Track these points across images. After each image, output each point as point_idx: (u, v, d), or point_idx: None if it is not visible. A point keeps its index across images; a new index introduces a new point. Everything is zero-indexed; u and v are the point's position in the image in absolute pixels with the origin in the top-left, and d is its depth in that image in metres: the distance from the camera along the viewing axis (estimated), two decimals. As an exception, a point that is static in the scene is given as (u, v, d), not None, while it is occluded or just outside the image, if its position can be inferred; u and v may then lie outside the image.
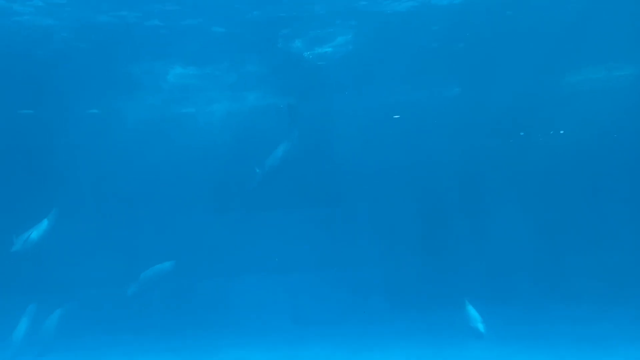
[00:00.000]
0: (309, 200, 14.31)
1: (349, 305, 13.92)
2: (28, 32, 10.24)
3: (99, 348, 11.90)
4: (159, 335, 12.87)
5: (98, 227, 13.49)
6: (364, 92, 13.28)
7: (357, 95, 13.38)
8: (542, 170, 14.70)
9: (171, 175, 13.71)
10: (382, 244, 14.60)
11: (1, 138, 13.06)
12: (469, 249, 14.66)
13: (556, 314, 13.13)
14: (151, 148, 13.47)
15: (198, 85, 12.61)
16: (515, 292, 13.76)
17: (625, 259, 14.24)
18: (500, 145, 14.74)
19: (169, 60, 11.58)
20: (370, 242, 14.50)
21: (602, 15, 10.65)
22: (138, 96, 12.77)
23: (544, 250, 14.60)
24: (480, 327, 10.06)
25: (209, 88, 12.76)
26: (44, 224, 10.52)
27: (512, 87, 13.00)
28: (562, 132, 14.71)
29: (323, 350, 12.04)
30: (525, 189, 14.76)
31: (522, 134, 14.72)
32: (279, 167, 11.02)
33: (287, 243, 14.24)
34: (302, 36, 10.97)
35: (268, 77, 12.54)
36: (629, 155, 14.48)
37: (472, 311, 10.24)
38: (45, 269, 12.55)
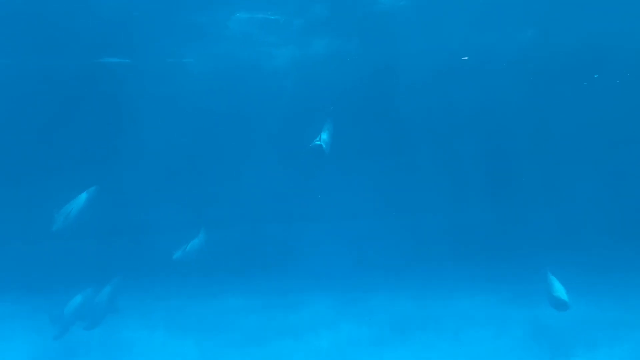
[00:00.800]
0: (375, 148, 14.17)
1: (414, 252, 13.88)
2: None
3: (168, 288, 12.33)
4: (227, 278, 13.12)
5: (164, 178, 13.57)
6: (432, 36, 12.85)
7: (425, 39, 12.96)
8: (618, 114, 14.10)
9: (237, 124, 13.73)
10: (450, 191, 14.42)
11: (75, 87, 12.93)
12: (539, 196, 14.39)
13: (630, 265, 12.91)
14: (216, 97, 13.37)
15: (262, 31, 12.42)
16: (587, 242, 13.43)
17: None
18: (574, 89, 14.11)
19: (233, 5, 11.45)
20: (438, 189, 14.29)
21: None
22: (202, 45, 12.59)
23: (617, 198, 14.26)
24: (564, 297, 9.77)
25: (274, 34, 12.57)
26: (83, 198, 10.59)
27: (588, 28, 12.49)
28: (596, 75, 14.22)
29: (387, 296, 12.43)
30: (599, 134, 14.24)
31: (596, 76, 14.15)
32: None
33: (353, 190, 14.11)
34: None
35: (335, 22, 12.30)
36: None
37: (555, 282, 9.98)
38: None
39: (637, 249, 13.23)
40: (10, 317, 12.03)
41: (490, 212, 14.41)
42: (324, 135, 10.80)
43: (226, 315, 12.22)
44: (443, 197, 14.40)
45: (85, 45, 12.14)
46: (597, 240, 13.34)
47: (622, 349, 10.35)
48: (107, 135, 13.32)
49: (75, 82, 12.88)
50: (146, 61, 12.87)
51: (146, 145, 13.38)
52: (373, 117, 13.64)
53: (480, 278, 13.05)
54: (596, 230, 13.58)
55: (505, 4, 11.84)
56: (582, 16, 12.20)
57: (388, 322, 11.86)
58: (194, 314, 12.24)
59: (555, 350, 10.49)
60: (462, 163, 14.47)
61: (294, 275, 13.33)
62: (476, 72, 13.64)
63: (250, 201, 13.89)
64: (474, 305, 12.13)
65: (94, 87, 12.97)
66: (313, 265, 13.50)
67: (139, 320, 11.90)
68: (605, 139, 14.28)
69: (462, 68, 13.72)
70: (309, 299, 12.62)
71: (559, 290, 9.91)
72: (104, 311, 10.45)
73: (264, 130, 13.67)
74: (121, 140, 13.37)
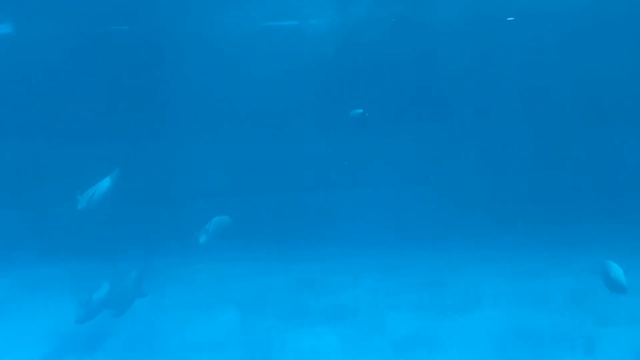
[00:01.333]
0: (415, 113, 14.05)
1: (454, 218, 13.78)
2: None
3: (209, 252, 11.98)
4: (267, 245, 13.27)
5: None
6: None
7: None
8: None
9: (276, 90, 13.70)
10: (492, 156, 14.25)
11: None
12: (585, 164, 14.10)
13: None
14: (255, 62, 13.46)
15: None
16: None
17: None
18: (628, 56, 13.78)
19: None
20: (480, 154, 14.19)
21: None
22: (236, 8, 12.64)
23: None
24: (623, 280, 9.28)
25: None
26: (107, 182, 10.71)
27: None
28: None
29: (426, 262, 12.40)
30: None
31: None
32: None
33: (394, 156, 14.12)
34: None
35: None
36: None
37: (613, 265, 9.51)
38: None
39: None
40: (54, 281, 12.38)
41: (533, 178, 14.11)
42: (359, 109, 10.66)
43: (265, 279, 12.34)
44: (485, 163, 14.17)
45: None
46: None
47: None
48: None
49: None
50: (183, 27, 12.90)
51: (186, 109, 13.46)
52: (413, 81, 13.41)
53: (522, 246, 12.90)
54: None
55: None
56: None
57: (427, 288, 11.82)
58: (234, 277, 12.39)
59: (598, 318, 10.30)
60: (505, 127, 14.19)
61: (332, 242, 13.34)
62: (520, 34, 13.28)
63: (289, 168, 13.92)
64: (515, 272, 11.99)
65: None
66: (351, 232, 13.49)
67: (181, 286, 12.11)
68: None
69: (507, 30, 13.38)
70: (347, 265, 12.64)
71: (617, 272, 9.33)
72: (131, 297, 10.40)
73: (304, 96, 13.59)
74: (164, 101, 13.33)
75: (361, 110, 10.70)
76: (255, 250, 13.16)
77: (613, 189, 13.78)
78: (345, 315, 11.02)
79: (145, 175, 13.16)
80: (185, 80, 13.17)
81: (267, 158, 14.06)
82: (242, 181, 13.86)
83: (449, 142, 14.29)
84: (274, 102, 13.79)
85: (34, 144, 13.60)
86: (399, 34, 13.14)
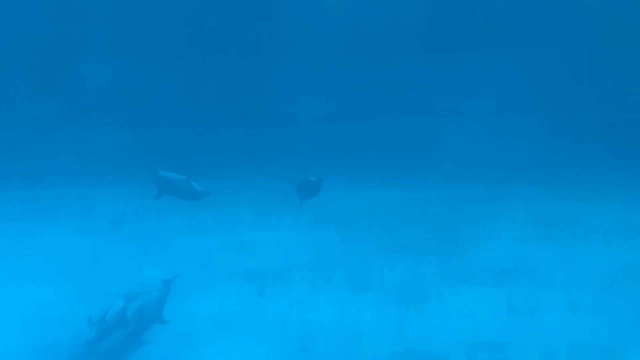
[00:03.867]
0: (526, 37, 13.54)
1: (565, 150, 13.31)
2: None
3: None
4: (367, 171, 13.13)
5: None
6: None
7: None
8: None
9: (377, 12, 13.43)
10: (610, 85, 13.55)
11: None
12: None
13: None
14: None
15: None
16: None
17: None
18: None
19: None
20: (596, 83, 13.52)
21: None
22: None
23: None
24: None
25: None
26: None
27: None
28: None
29: (532, 194, 12.11)
30: None
31: None
32: None
33: (500, 83, 13.63)
34: None
35: None
36: None
37: None
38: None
39: None
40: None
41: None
42: None
43: (366, 205, 12.38)
44: (601, 92, 13.45)
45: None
46: None
47: None
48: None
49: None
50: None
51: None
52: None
53: (636, 181, 12.31)
54: None
55: None
56: None
57: (532, 220, 11.55)
58: (335, 203, 12.52)
59: None
60: (623, 54, 13.34)
61: (436, 169, 13.16)
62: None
63: (391, 93, 13.73)
64: (629, 209, 11.48)
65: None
66: (456, 159, 13.25)
67: (283, 210, 12.36)
68: None
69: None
70: (450, 194, 12.48)
71: None
72: (151, 318, 8.86)
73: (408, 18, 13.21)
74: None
75: None
76: (355, 177, 13.17)
77: None
78: (446, 245, 10.97)
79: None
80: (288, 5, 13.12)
81: (369, 83, 13.88)
82: (344, 108, 13.79)
83: (562, 70, 13.61)
84: (376, 26, 13.49)
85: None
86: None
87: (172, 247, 11.12)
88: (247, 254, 10.96)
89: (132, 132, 13.64)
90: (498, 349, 8.75)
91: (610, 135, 13.16)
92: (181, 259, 10.73)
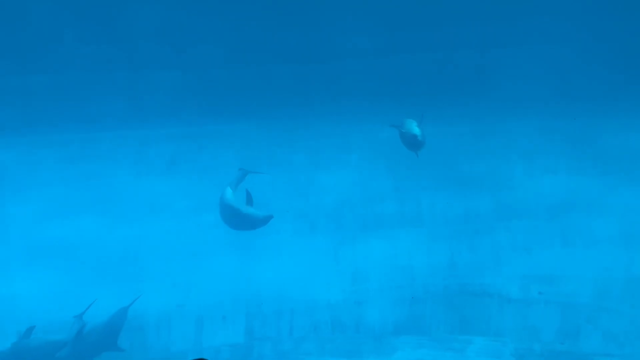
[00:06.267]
0: None
1: (623, 80, 12.87)
2: None
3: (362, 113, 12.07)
4: (422, 103, 12.52)
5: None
6: None
7: None
8: None
9: None
10: None
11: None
12: None
13: None
14: None
15: None
16: None
17: None
18: None
19: None
20: None
21: None
22: None
23: None
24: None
25: None
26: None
27: None
28: None
29: (590, 125, 11.80)
30: None
31: None
32: None
33: (559, 12, 13.17)
34: None
35: None
36: None
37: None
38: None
39: None
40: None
41: None
42: None
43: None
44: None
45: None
46: None
47: None
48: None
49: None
50: None
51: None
52: None
53: None
54: None
55: None
56: None
57: (590, 153, 11.27)
58: (385, 139, 12.43)
59: None
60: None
61: (489, 101, 12.88)
62: None
63: (444, 25, 13.37)
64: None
65: None
66: (509, 91, 12.94)
67: (333, 145, 12.36)
68: None
69: None
70: (504, 126, 12.23)
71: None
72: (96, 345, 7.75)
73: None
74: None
75: None
76: (405, 112, 13.02)
77: None
78: (499, 179, 10.82)
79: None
80: None
81: (418, 15, 13.52)
82: (393, 41, 13.51)
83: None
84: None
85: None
86: None
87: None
88: (299, 194, 11.06)
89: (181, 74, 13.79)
90: (552, 282, 8.69)
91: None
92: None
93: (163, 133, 12.99)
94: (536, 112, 12.42)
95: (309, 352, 7.97)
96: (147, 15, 13.60)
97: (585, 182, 10.48)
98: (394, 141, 11.99)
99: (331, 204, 10.67)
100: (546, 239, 9.51)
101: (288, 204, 10.70)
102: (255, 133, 12.91)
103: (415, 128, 9.45)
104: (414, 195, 10.65)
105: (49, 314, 8.42)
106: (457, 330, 8.27)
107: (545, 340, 7.88)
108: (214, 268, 9.30)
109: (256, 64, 13.80)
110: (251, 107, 13.15)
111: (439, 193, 10.61)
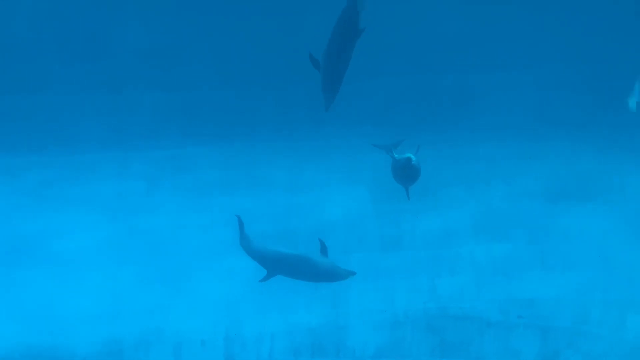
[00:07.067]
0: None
1: (601, 103, 12.93)
2: None
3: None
4: (396, 127, 12.81)
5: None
6: None
7: None
8: None
9: None
10: None
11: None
12: None
13: None
14: None
15: None
16: None
17: None
18: None
19: None
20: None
21: None
22: None
23: None
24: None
25: None
26: None
27: None
28: None
29: (568, 150, 11.96)
30: None
31: None
32: None
33: (536, 34, 13.43)
34: None
35: None
36: None
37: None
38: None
39: None
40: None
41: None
42: None
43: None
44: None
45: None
46: None
47: None
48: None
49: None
50: None
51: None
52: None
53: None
54: None
55: None
56: None
57: (566, 177, 11.40)
58: (366, 162, 12.48)
59: None
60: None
61: (469, 126, 13.01)
62: None
63: (424, 49, 13.50)
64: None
65: None
66: (489, 116, 13.07)
67: (314, 167, 12.37)
68: None
69: None
70: (483, 151, 12.34)
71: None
72: None
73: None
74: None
75: None
76: (386, 135, 13.09)
77: None
78: (479, 203, 10.89)
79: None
80: None
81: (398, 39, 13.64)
82: (373, 65, 13.57)
83: (601, 20, 13.23)
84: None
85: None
86: None
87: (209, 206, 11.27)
88: (279, 215, 11.03)
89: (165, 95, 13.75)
90: (531, 306, 8.74)
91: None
92: (215, 218, 10.85)
93: (143, 155, 12.93)
94: (515, 137, 12.54)
95: (289, 377, 7.91)
96: (128, 36, 13.60)
97: (563, 207, 10.58)
98: (374, 163, 12.06)
99: (312, 226, 10.65)
100: (525, 262, 9.57)
101: (268, 225, 10.68)
102: (236, 155, 12.88)
103: (412, 160, 7.86)
104: (395, 218, 10.68)
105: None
106: (438, 354, 8.28)
107: (525, 364, 7.91)
108: (192, 291, 9.22)
109: (237, 85, 13.83)
110: (232, 128, 13.14)
111: (419, 216, 10.65)
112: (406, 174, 7.81)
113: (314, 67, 6.79)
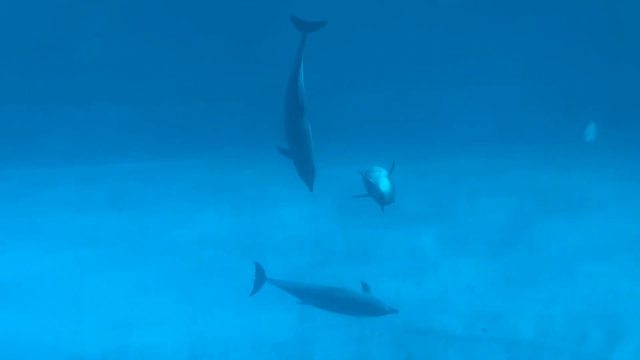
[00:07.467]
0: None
1: (562, 119, 13.29)
2: None
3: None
4: (368, 143, 13.05)
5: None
6: None
7: None
8: None
9: None
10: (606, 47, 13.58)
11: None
12: None
13: None
14: None
15: None
16: None
17: None
18: None
19: None
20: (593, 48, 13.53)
21: None
22: None
23: None
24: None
25: None
26: None
27: None
28: None
29: (531, 165, 12.15)
30: None
31: None
32: None
33: (498, 53, 13.69)
34: None
35: None
36: None
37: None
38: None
39: None
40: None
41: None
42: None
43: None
44: (599, 57, 13.34)
45: None
46: None
47: None
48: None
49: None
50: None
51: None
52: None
53: (633, 149, 12.28)
54: None
55: None
56: None
57: (529, 193, 11.56)
58: (333, 177, 12.50)
59: None
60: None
61: (433, 141, 13.12)
62: None
63: (390, 65, 13.64)
64: (625, 181, 11.47)
65: None
66: (454, 131, 13.21)
67: (281, 181, 12.29)
68: None
69: None
70: (448, 166, 12.47)
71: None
72: None
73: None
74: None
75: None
76: (352, 150, 13.16)
77: None
78: (443, 217, 10.98)
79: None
80: None
81: (363, 56, 13.78)
82: (338, 79, 13.68)
83: (559, 39, 13.51)
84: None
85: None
86: None
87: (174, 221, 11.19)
88: (246, 230, 10.99)
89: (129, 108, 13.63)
90: (495, 319, 8.79)
91: (607, 105, 13.12)
92: (180, 235, 10.78)
93: (107, 168, 12.78)
94: (479, 152, 12.70)
95: (254, 393, 7.85)
96: (93, 49, 13.49)
97: (526, 220, 10.71)
98: (340, 178, 12.11)
99: (279, 241, 10.62)
100: (489, 276, 9.65)
101: (235, 240, 10.62)
102: (202, 169, 12.82)
103: (385, 182, 7.70)
104: (361, 233, 10.70)
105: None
106: (404, 368, 8.28)
107: (490, 378, 7.95)
108: (156, 308, 9.10)
109: (204, 99, 13.78)
110: (198, 143, 13.08)
111: (385, 230, 10.69)
112: (381, 203, 7.81)
113: (286, 157, 6.94)
